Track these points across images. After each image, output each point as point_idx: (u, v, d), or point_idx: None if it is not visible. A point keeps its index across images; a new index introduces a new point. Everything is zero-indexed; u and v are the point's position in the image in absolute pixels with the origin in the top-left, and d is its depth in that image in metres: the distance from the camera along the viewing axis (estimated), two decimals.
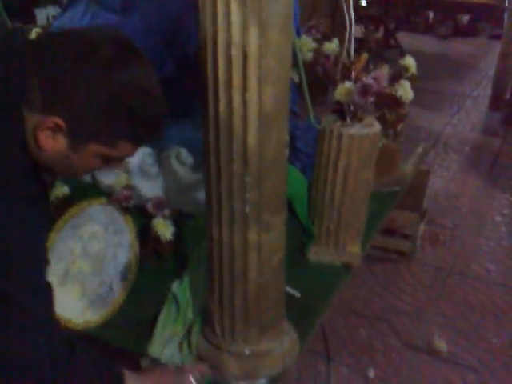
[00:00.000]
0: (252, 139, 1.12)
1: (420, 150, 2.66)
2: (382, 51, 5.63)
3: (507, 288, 2.35)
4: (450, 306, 2.23)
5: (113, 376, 1.12)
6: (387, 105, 1.86)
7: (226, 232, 1.20)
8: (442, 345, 1.94)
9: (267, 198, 1.19)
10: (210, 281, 1.29)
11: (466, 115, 4.53)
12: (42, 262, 1.02)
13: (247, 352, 1.30)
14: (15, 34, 1.04)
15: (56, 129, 0.94)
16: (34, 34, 1.98)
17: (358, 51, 1.73)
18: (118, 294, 1.48)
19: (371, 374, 1.87)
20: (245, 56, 1.05)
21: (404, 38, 6.45)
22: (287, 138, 1.20)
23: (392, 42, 6.20)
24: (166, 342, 1.37)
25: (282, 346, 1.34)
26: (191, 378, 1.24)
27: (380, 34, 6.25)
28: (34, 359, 0.98)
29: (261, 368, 1.31)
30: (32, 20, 2.98)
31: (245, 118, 1.10)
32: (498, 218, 2.95)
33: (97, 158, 1.02)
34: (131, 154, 1.07)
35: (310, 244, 1.80)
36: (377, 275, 2.40)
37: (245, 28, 1.03)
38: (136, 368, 1.30)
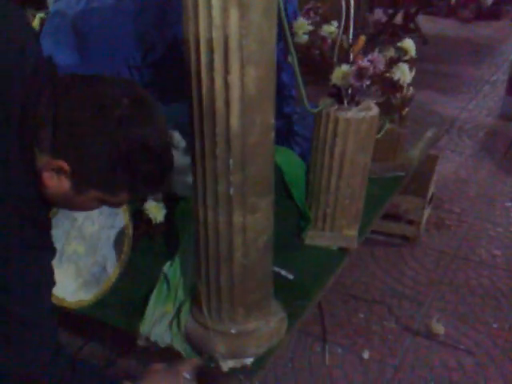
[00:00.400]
0: (235, 122, 1.13)
1: (429, 134, 2.63)
2: (401, 35, 5.56)
3: (511, 272, 2.33)
4: (452, 289, 2.21)
5: None
6: (388, 88, 1.84)
7: (210, 214, 1.22)
8: (439, 328, 1.94)
9: (252, 180, 1.20)
10: (197, 261, 1.31)
11: (484, 100, 4.45)
12: (48, 281, 1.06)
13: (234, 331, 1.32)
14: (42, 63, 1.06)
15: (60, 171, 0.98)
16: (37, 19, 2.01)
17: (357, 34, 1.72)
18: (111, 274, 1.52)
19: (366, 355, 1.88)
20: (225, 38, 1.05)
21: (426, 22, 6.33)
22: (273, 121, 1.21)
23: (411, 26, 6.10)
24: (157, 321, 1.40)
25: (268, 325, 1.36)
26: (184, 373, 1.27)
27: (399, 18, 6.15)
28: (34, 374, 1.02)
29: (247, 347, 1.33)
30: (43, 6, 3.02)
31: (227, 101, 1.10)
32: (508, 204, 2.90)
33: (96, 201, 1.07)
34: (129, 202, 1.12)
35: (307, 228, 1.81)
36: (379, 260, 2.39)
37: (225, 10, 1.03)
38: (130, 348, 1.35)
